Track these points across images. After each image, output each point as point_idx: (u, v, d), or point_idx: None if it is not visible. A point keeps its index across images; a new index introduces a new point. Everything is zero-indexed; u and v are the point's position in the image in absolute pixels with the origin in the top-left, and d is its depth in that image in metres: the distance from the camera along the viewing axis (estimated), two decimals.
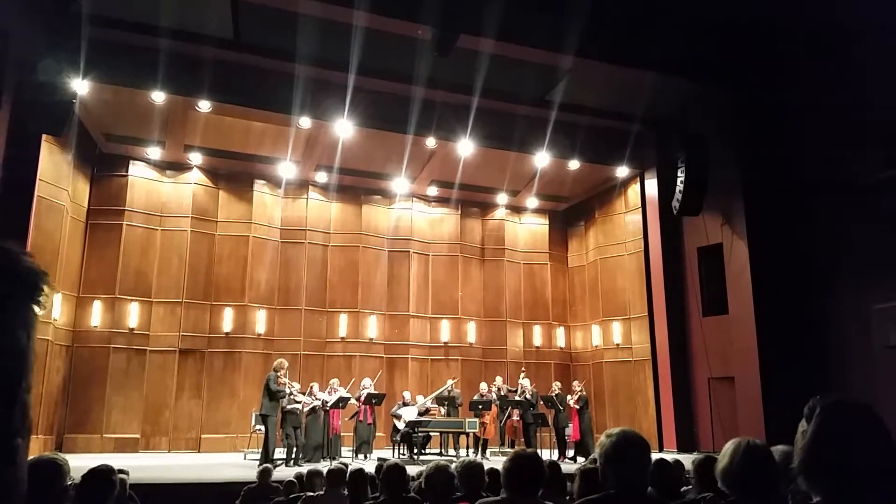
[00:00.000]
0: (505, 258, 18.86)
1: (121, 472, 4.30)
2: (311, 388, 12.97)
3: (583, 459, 12.24)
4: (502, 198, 18.59)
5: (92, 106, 13.24)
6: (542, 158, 15.37)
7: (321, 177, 16.91)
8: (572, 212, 19.53)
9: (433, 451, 14.20)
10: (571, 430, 14.08)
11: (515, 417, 14.47)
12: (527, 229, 19.41)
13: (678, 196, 13.88)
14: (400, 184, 17.26)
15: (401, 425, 13.12)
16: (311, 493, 5.98)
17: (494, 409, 14.43)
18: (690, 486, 4.54)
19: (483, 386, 14.97)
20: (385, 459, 5.85)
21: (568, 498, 4.73)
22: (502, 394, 14.88)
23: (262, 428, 12.01)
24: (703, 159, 13.61)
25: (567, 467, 7.08)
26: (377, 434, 14.16)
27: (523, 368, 16.76)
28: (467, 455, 11.93)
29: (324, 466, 7.07)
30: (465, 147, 14.65)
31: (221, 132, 14.79)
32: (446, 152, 15.40)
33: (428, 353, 17.60)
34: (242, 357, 15.72)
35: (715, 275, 14.26)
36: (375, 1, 11.08)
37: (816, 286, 12.45)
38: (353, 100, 13.12)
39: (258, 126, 14.66)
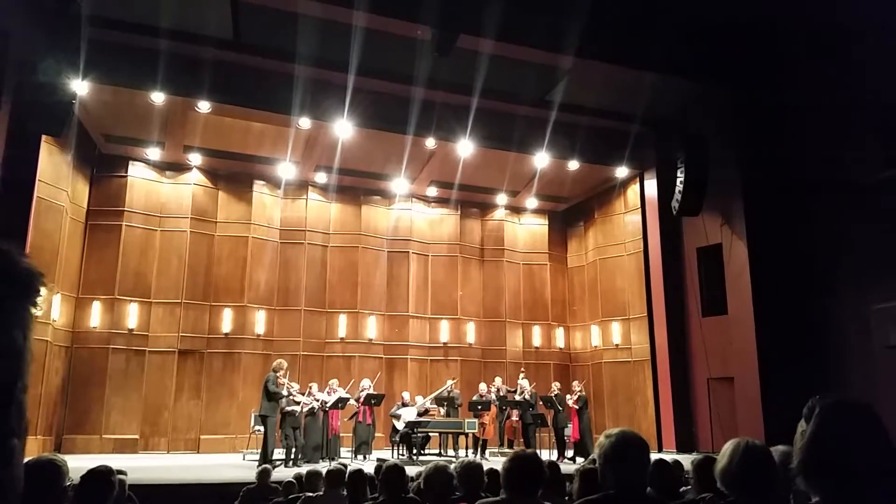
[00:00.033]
0: (504, 258, 18.86)
1: (119, 472, 4.29)
2: (310, 388, 12.96)
3: (582, 460, 12.23)
4: (502, 198, 18.59)
5: (91, 106, 13.23)
6: (541, 159, 15.37)
7: (321, 177, 16.91)
8: (572, 212, 19.53)
9: (432, 451, 14.20)
10: (571, 431, 14.07)
11: (514, 418, 14.48)
12: (526, 230, 19.41)
13: (677, 196, 13.88)
14: (399, 184, 17.27)
15: (400, 426, 13.11)
16: (311, 494, 5.98)
17: (494, 409, 14.43)
18: (689, 487, 4.53)
19: (482, 386, 14.98)
20: (384, 460, 5.85)
21: (567, 498, 4.73)
22: (501, 394, 14.89)
23: (262, 428, 12.01)
24: (703, 159, 13.61)
25: (566, 468, 7.08)
26: (376, 434, 14.16)
27: (522, 369, 16.76)
28: (466, 455, 11.94)
29: (323, 467, 7.06)
30: (465, 147, 14.65)
31: (221, 133, 14.78)
32: (446, 153, 15.40)
33: (427, 353, 17.60)
34: (242, 358, 15.72)
35: (714, 275, 14.27)
36: (375, 1, 11.08)
37: (816, 286, 12.45)
38: (352, 100, 13.12)
39: (258, 127, 14.66)
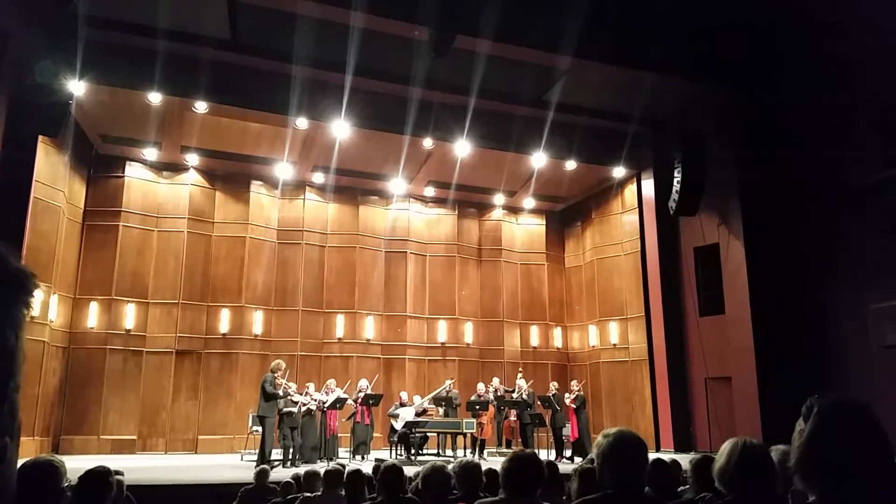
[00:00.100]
0: (502, 258, 18.87)
1: (116, 473, 4.29)
2: (307, 388, 12.96)
3: (580, 459, 12.24)
4: (499, 198, 18.60)
5: (88, 107, 13.21)
6: (539, 159, 15.38)
7: (318, 177, 16.91)
8: (569, 212, 19.55)
9: (430, 451, 14.20)
10: (570, 430, 14.07)
11: (512, 418, 14.48)
12: (524, 230, 19.42)
13: (675, 196, 13.90)
14: (397, 184, 17.27)
15: (398, 426, 13.10)
16: (309, 494, 5.98)
17: (492, 409, 14.43)
18: (687, 486, 4.54)
19: (480, 386, 14.99)
20: (382, 460, 5.85)
21: (565, 498, 4.73)
22: (499, 394, 14.89)
23: (259, 429, 12.00)
24: (700, 159, 13.64)
25: (564, 467, 7.08)
26: (374, 435, 14.15)
27: (520, 369, 16.77)
28: (464, 455, 11.95)
29: (321, 467, 7.06)
30: (463, 148, 14.66)
31: (218, 133, 14.77)
32: (443, 153, 15.41)
33: (425, 353, 17.60)
34: (239, 358, 15.70)
35: (711, 275, 14.29)
36: (373, 2, 11.08)
37: (813, 286, 12.48)
38: (350, 100, 13.11)
39: (255, 127, 14.65)
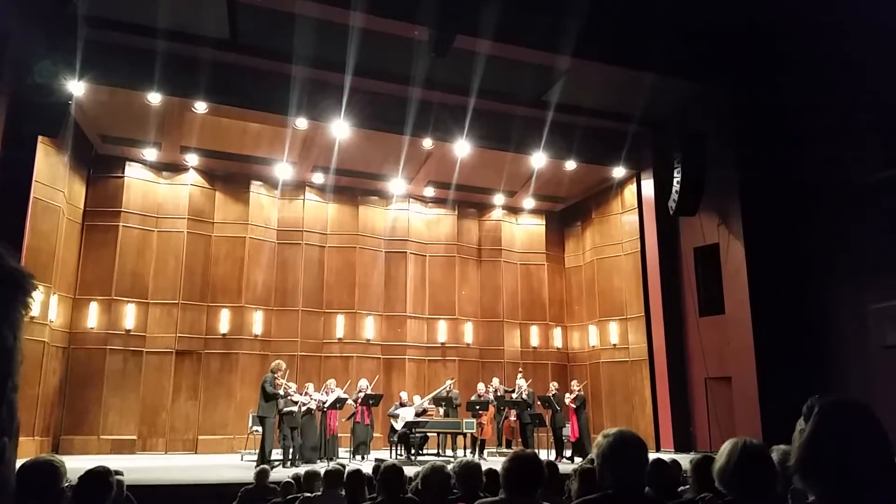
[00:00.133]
0: (502, 259, 18.87)
1: (116, 473, 4.29)
2: (306, 388, 12.96)
3: (580, 459, 12.24)
4: (499, 198, 18.60)
5: (88, 107, 13.21)
6: (538, 159, 15.38)
7: (318, 178, 16.91)
8: (569, 212, 19.55)
9: (430, 451, 14.20)
10: (570, 430, 14.07)
11: (512, 418, 14.48)
12: (523, 230, 19.42)
13: (674, 196, 13.90)
14: (397, 185, 17.27)
15: (398, 426, 13.10)
16: (309, 494, 5.98)
17: (492, 409, 14.43)
18: (688, 486, 4.54)
19: (480, 386, 14.99)
20: (382, 460, 5.85)
21: (565, 497, 4.74)
22: (499, 394, 14.89)
23: (260, 429, 12.00)
24: (700, 159, 13.64)
25: (564, 467, 7.08)
26: (375, 435, 14.15)
27: (520, 369, 16.77)
28: (464, 455, 11.95)
29: (321, 467, 7.06)
30: (462, 148, 14.66)
31: (218, 133, 14.77)
32: (443, 153, 15.41)
33: (425, 353, 17.60)
34: (239, 358, 15.71)
35: (711, 275, 14.29)
36: (372, 2, 11.08)
37: (813, 286, 12.48)
38: (349, 101, 13.12)
39: (255, 127, 14.65)
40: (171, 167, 15.94)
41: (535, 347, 18.73)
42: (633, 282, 16.71)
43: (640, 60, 12.66)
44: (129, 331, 14.84)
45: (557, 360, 18.89)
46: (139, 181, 15.62)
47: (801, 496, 2.59)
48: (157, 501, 7.86)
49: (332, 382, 13.34)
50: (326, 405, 12.58)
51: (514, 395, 14.64)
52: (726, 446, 2.42)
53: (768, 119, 13.11)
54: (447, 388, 14.74)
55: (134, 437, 14.45)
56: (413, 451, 12.92)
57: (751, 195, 13.25)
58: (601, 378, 17.50)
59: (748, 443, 2.41)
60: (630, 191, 17.03)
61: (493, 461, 11.46)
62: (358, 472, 5.27)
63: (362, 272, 17.39)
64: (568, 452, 14.18)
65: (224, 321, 15.73)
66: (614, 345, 17.29)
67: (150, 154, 15.34)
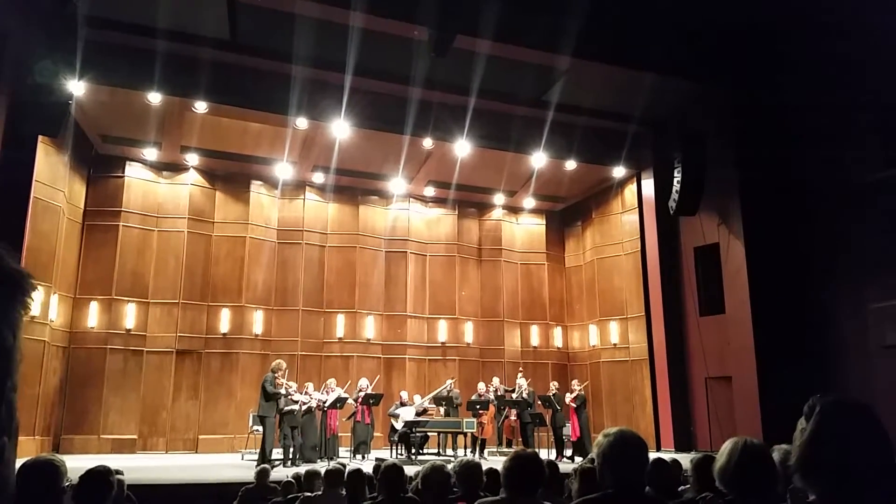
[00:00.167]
0: (502, 258, 18.87)
1: (116, 472, 4.29)
2: (306, 387, 12.96)
3: (580, 459, 12.24)
4: (499, 198, 18.60)
5: (88, 107, 13.21)
6: (538, 159, 15.38)
7: (318, 177, 16.91)
8: (569, 212, 19.55)
9: (431, 451, 14.20)
10: (571, 430, 14.07)
11: (513, 417, 14.48)
12: (524, 229, 19.42)
13: (675, 196, 13.91)
14: (397, 184, 17.27)
15: (398, 425, 13.11)
16: (309, 494, 5.98)
17: (492, 408, 14.43)
18: (688, 486, 4.54)
19: (481, 386, 15.00)
20: (383, 460, 5.84)
21: (565, 496, 4.74)
22: (499, 394, 14.89)
23: (260, 429, 12.01)
24: (700, 159, 13.64)
25: (565, 467, 7.08)
26: (375, 434, 14.14)
27: (521, 368, 16.77)
28: (465, 455, 11.95)
29: (321, 467, 7.06)
30: (462, 147, 14.66)
31: (218, 133, 14.77)
32: (443, 153, 15.41)
33: (425, 353, 17.61)
34: (240, 358, 15.71)
35: (712, 274, 14.29)
36: (372, 2, 11.08)
37: (813, 285, 12.48)
38: (349, 100, 13.12)
39: (255, 127, 14.65)
40: (172, 167, 15.94)
41: (535, 347, 18.73)
42: (634, 281, 16.72)
43: (640, 60, 12.66)
44: (129, 330, 14.85)
45: (558, 359, 18.89)
46: (139, 181, 15.62)
47: (800, 495, 2.59)
48: (157, 501, 7.86)
49: (332, 382, 13.35)
50: (327, 405, 12.58)
51: (515, 395, 14.65)
52: (727, 446, 2.42)
53: (768, 119, 13.11)
54: (448, 388, 14.74)
55: (134, 437, 14.45)
56: (413, 451, 12.92)
57: (751, 195, 13.25)
58: (601, 377, 17.50)
59: (749, 442, 2.41)
60: (630, 190, 17.03)
61: (494, 461, 11.45)
62: (358, 471, 5.27)
63: (362, 272, 17.40)
64: (568, 452, 14.19)
65: (224, 321, 15.73)
66: (615, 344, 17.30)
67: (151, 154, 15.34)
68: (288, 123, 13.93)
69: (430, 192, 18.09)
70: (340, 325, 16.91)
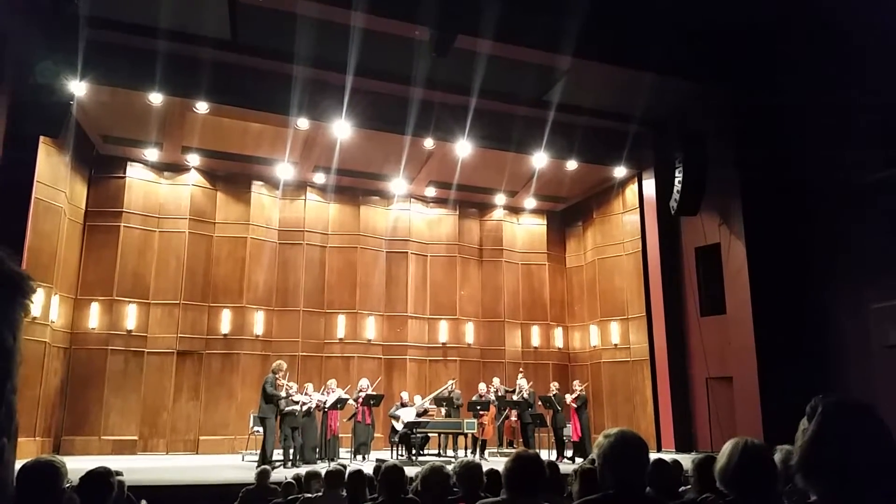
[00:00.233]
0: (503, 259, 18.87)
1: (117, 473, 4.29)
2: (306, 388, 12.96)
3: (581, 460, 12.24)
4: (500, 198, 18.60)
5: (89, 107, 13.22)
6: (539, 159, 15.38)
7: (319, 178, 16.92)
8: (570, 212, 19.55)
9: (431, 451, 14.19)
10: (572, 430, 14.06)
11: (513, 418, 14.48)
12: (525, 230, 19.42)
13: (676, 196, 13.90)
14: (398, 185, 17.28)
15: (399, 426, 13.10)
16: (310, 495, 5.98)
17: (493, 409, 14.43)
18: (689, 486, 4.54)
19: (482, 386, 14.99)
20: (383, 460, 5.84)
21: (566, 496, 4.73)
22: (500, 394, 14.89)
23: (261, 429, 12.01)
24: (702, 159, 13.64)
25: (565, 467, 7.08)
26: (375, 435, 14.14)
27: (521, 369, 16.77)
28: (465, 456, 11.94)
29: (322, 468, 7.06)
30: (463, 148, 14.66)
31: (219, 133, 14.78)
32: (444, 153, 15.41)
33: (426, 353, 17.60)
34: (240, 358, 15.71)
35: (713, 275, 14.29)
36: (373, 2, 11.08)
37: (814, 285, 12.47)
38: (350, 101, 13.12)
39: (256, 127, 14.66)
40: (173, 167, 15.95)
41: (536, 347, 18.72)
42: (635, 282, 16.71)
43: (640, 60, 12.64)
44: (130, 331, 14.85)
45: (558, 360, 18.88)
46: (140, 181, 15.63)
47: (799, 495, 2.59)
48: (158, 502, 7.85)
49: (332, 383, 13.35)
50: (327, 405, 12.57)
51: (515, 396, 14.64)
52: (727, 446, 2.42)
53: (768, 119, 13.11)
54: (449, 388, 14.74)
55: (135, 438, 14.46)
56: (414, 452, 12.91)
57: (752, 195, 13.24)
58: (602, 378, 17.49)
59: (749, 443, 2.40)
60: (631, 191, 17.03)
61: (494, 461, 11.47)
62: (359, 472, 5.27)
63: (363, 272, 17.40)
64: (569, 453, 14.17)
65: (225, 321, 15.74)
66: (615, 345, 17.29)
67: (152, 154, 15.35)
68: (289, 124, 13.93)
69: (431, 192, 18.09)
70: (341, 325, 16.91)
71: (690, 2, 11.96)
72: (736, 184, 13.40)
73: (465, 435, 13.71)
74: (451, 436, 14.21)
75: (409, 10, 11.18)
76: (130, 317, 14.91)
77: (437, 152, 15.49)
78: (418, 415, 13.47)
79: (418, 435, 13.11)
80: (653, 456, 3.72)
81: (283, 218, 17.01)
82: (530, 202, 18.80)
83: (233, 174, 16.44)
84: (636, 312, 16.63)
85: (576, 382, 15.02)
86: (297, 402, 12.32)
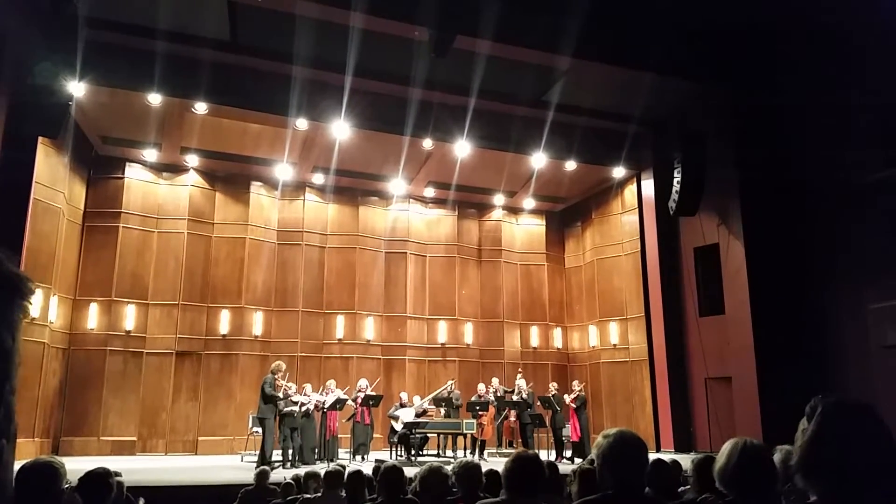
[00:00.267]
0: (502, 259, 18.87)
1: (115, 474, 4.29)
2: (304, 388, 12.95)
3: (580, 460, 12.23)
4: (499, 199, 18.60)
5: (88, 108, 13.21)
6: (538, 159, 15.38)
7: (318, 178, 16.91)
8: (569, 212, 19.55)
9: (431, 452, 14.19)
10: (571, 431, 14.06)
11: (512, 418, 14.47)
12: (524, 230, 19.42)
13: (674, 196, 13.91)
14: (397, 185, 17.27)
15: (398, 427, 13.10)
16: (309, 496, 5.98)
17: (492, 409, 14.43)
18: (688, 486, 4.54)
19: (481, 387, 14.99)
20: (382, 461, 5.85)
21: (564, 496, 4.73)
22: (499, 395, 14.88)
23: (260, 430, 12.00)
24: (700, 159, 13.64)
25: (564, 468, 7.08)
26: (375, 435, 14.14)
27: (520, 369, 16.76)
28: (465, 456, 11.95)
29: (321, 468, 7.06)
30: (462, 148, 14.66)
31: (218, 134, 14.77)
32: (443, 153, 15.41)
33: (425, 354, 17.60)
34: (239, 359, 15.70)
35: (711, 275, 14.29)
36: (372, 2, 11.08)
37: (813, 286, 12.48)
38: (349, 101, 13.12)
39: (255, 128, 14.65)
40: (172, 168, 15.95)
41: (535, 348, 18.72)
42: (634, 282, 16.71)
43: (640, 60, 12.64)
44: (129, 332, 14.84)
45: (557, 360, 18.88)
46: (139, 182, 15.62)
47: (799, 495, 2.59)
48: (157, 503, 7.85)
49: (331, 383, 13.36)
50: (326, 406, 12.57)
51: (514, 396, 14.63)
52: (727, 447, 2.42)
53: (768, 119, 13.11)
54: (448, 389, 14.74)
55: (134, 439, 14.45)
56: (413, 452, 12.91)
57: (751, 195, 13.25)
58: (601, 378, 17.50)
59: (748, 443, 2.40)
60: (630, 191, 17.03)
61: (494, 462, 11.47)
62: (358, 472, 5.27)
63: (362, 273, 17.39)
64: (568, 453, 14.17)
65: (224, 322, 15.73)
66: (614, 345, 17.29)
67: (151, 155, 15.34)
68: (288, 124, 13.94)
69: (429, 192, 18.09)
70: (340, 326, 16.90)
71: (690, 2, 11.96)
72: (735, 184, 13.40)
73: (465, 435, 13.70)
74: (450, 436, 14.21)
75: (408, 10, 11.18)
76: (129, 317, 14.90)
77: (436, 153, 15.49)
78: (417, 415, 13.46)
79: (417, 435, 13.10)
80: (652, 456, 3.72)
81: (282, 218, 17.00)
82: (529, 202, 18.80)
83: (232, 175, 16.43)
84: (635, 313, 16.63)
85: (575, 383, 15.02)
86: (295, 403, 12.31)
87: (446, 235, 18.53)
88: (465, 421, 13.55)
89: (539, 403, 14.41)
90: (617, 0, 11.98)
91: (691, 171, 13.60)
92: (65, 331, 14.18)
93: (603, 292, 17.90)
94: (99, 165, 15.26)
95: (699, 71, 13.18)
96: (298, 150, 15.42)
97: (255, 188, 16.63)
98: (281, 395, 12.03)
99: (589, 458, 3.66)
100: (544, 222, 19.56)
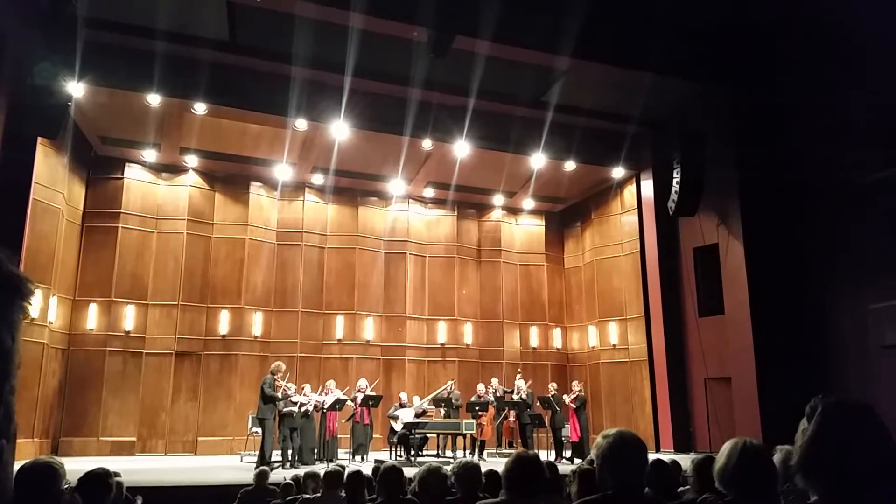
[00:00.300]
0: (501, 259, 18.87)
1: (115, 475, 4.29)
2: (304, 388, 12.95)
3: (580, 460, 12.23)
4: (498, 199, 18.60)
5: (87, 108, 13.20)
6: (538, 160, 15.38)
7: (317, 179, 16.91)
8: (568, 213, 19.55)
9: (430, 452, 14.18)
10: (571, 431, 14.05)
11: (512, 418, 14.46)
12: (523, 230, 19.42)
13: (674, 196, 13.90)
14: (396, 185, 17.27)
15: (398, 427, 13.10)
16: (308, 496, 5.97)
17: (491, 410, 14.42)
18: (688, 487, 4.54)
19: (480, 387, 14.99)
20: (382, 461, 5.85)
21: (564, 496, 4.73)
22: (499, 395, 14.88)
23: (259, 430, 12.00)
24: (700, 159, 13.63)
25: (564, 468, 7.07)
26: (374, 436, 14.14)
27: (519, 369, 16.75)
28: (464, 456, 11.94)
29: (320, 468, 7.06)
30: (462, 148, 14.66)
31: (217, 134, 14.77)
32: (443, 154, 15.41)
33: (425, 354, 17.60)
34: (239, 359, 15.70)
35: (711, 275, 14.29)
36: (371, 3, 11.07)
37: (813, 286, 12.47)
38: (349, 101, 13.12)
39: (254, 128, 14.65)
40: (171, 168, 15.94)
41: (534, 348, 18.72)
42: (633, 282, 16.71)
43: (639, 60, 12.64)
44: (128, 332, 14.84)
45: (557, 360, 18.88)
46: (139, 182, 15.62)
47: (799, 495, 2.58)
48: (156, 503, 7.85)
49: (331, 383, 13.36)
50: (326, 406, 12.57)
51: (514, 396, 14.62)
52: (726, 447, 2.42)
53: (768, 119, 13.12)
54: (448, 389, 14.73)
55: (133, 439, 14.44)
56: (413, 453, 12.91)
57: (750, 195, 13.25)
58: (601, 379, 17.50)
59: (748, 443, 2.40)
60: (629, 191, 17.03)
61: (493, 462, 11.47)
62: (358, 473, 5.27)
63: (362, 273, 17.39)
64: (567, 453, 14.16)
65: (224, 322, 15.73)
66: (614, 345, 17.29)
67: (150, 155, 15.34)
68: (287, 125, 13.94)
69: (429, 193, 18.09)
70: (340, 326, 16.90)
71: (690, 2, 11.96)
72: (734, 184, 13.40)
73: (464, 436, 13.69)
74: (449, 436, 14.20)
75: (407, 10, 11.17)
76: (129, 318, 14.90)
77: (436, 153, 15.49)
78: (417, 415, 13.46)
79: (417, 436, 13.10)
80: (651, 456, 3.72)
81: (282, 219, 17.00)
82: (528, 203, 18.80)
83: (231, 175, 16.43)
84: (634, 313, 16.63)
85: (574, 383, 15.02)
86: (295, 403, 12.31)
87: (446, 236, 18.53)
88: (464, 421, 13.55)
89: (538, 404, 14.40)
90: (617, 0, 11.98)
91: (691, 172, 13.59)
92: (64, 331, 14.18)
93: (602, 293, 17.90)
94: (98, 166, 15.26)
95: (699, 71, 13.17)
96: (298, 150, 15.42)
97: (255, 188, 16.63)
98: (280, 395, 12.03)
99: (588, 458, 3.66)
100: (544, 223, 19.56)
